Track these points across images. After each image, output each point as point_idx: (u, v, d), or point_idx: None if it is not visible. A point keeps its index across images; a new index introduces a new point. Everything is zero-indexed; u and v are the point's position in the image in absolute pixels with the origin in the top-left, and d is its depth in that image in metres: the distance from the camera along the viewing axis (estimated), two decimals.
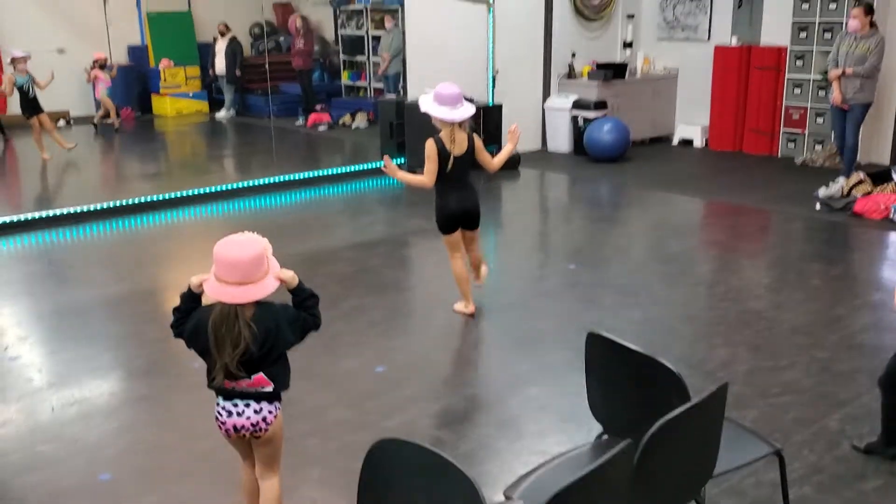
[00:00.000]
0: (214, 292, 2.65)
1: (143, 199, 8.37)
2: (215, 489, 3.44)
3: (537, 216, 8.56)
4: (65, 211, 7.88)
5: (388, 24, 12.61)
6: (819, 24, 9.62)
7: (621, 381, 2.76)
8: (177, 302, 2.80)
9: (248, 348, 2.65)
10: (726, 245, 6.97)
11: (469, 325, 5.10)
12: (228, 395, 2.77)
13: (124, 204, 8.21)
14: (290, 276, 2.77)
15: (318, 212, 8.43)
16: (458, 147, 4.85)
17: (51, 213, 7.80)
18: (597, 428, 3.83)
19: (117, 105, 14.11)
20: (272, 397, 2.80)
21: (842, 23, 9.39)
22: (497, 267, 6.46)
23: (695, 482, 2.46)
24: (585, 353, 2.88)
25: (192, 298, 2.77)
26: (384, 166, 4.92)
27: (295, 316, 2.78)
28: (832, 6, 9.49)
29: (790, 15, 9.83)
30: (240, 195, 8.87)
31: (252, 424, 2.77)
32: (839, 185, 7.98)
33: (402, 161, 9.71)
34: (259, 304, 2.69)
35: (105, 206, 8.11)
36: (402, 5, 10.73)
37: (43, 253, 7.11)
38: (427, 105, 4.83)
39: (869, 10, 8.25)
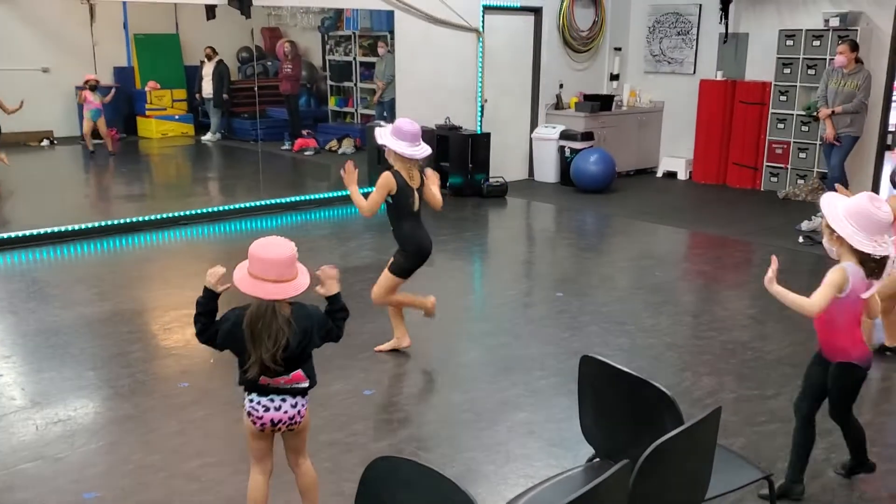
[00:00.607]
0: (250, 288, 2.76)
1: (127, 220, 8.33)
2: None
3: (524, 244, 8.60)
4: (47, 230, 7.82)
5: (381, 50, 12.70)
6: (803, 60, 9.81)
7: (614, 404, 2.77)
8: (193, 310, 2.87)
9: (288, 344, 2.78)
10: (711, 276, 7.03)
11: (456, 350, 5.10)
12: (263, 392, 2.89)
13: (109, 224, 8.17)
14: (336, 284, 2.98)
15: (304, 236, 8.41)
16: (415, 182, 4.73)
17: (33, 232, 7.74)
18: (584, 454, 3.85)
19: None
20: (304, 392, 2.95)
21: (825, 59, 9.59)
22: (485, 293, 6.49)
23: None
24: (578, 376, 2.89)
25: (211, 298, 2.86)
26: (344, 171, 4.73)
27: (325, 321, 2.95)
28: (816, 43, 9.68)
29: (774, 51, 10.02)
30: (226, 218, 8.85)
31: (289, 418, 2.93)
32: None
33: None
34: (294, 304, 2.84)
35: (89, 227, 8.06)
36: (392, 32, 10.82)
37: (25, 272, 7.04)
38: (386, 138, 4.66)
39: (854, 47, 8.45)
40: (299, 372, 2.89)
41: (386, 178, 4.66)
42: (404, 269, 4.88)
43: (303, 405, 2.96)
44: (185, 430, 4.06)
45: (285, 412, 2.92)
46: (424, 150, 4.71)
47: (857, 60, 8.41)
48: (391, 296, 4.97)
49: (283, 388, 2.89)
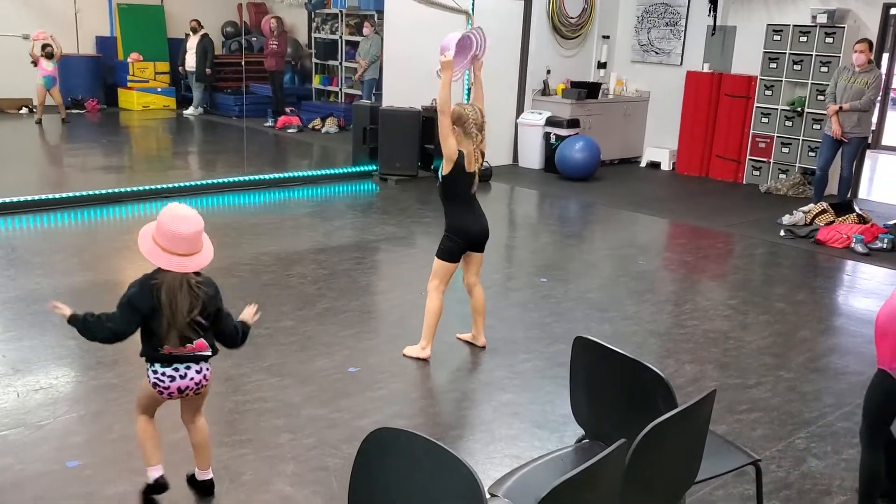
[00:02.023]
0: (162, 261, 2.87)
1: (108, 192, 8.23)
2: (184, 481, 3.37)
3: (508, 229, 8.60)
4: (26, 199, 7.71)
5: (367, 30, 12.63)
6: (789, 55, 9.87)
7: (607, 385, 2.79)
8: (86, 332, 3.00)
9: (203, 311, 2.92)
10: (693, 266, 7.08)
11: (442, 331, 5.09)
12: (167, 361, 2.99)
13: (89, 195, 8.06)
14: (250, 315, 3.20)
15: (288, 213, 8.37)
16: (473, 165, 4.48)
17: (11, 199, 7.62)
18: (569, 436, 3.89)
19: (82, 96, 13.90)
20: (207, 359, 3.08)
21: (812, 55, 9.66)
22: None
23: (679, 486, 2.49)
24: (571, 357, 2.90)
25: (85, 324, 2.97)
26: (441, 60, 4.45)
27: (217, 298, 3.05)
28: (803, 39, 9.74)
29: (762, 45, 10.07)
30: (209, 192, 8.78)
31: (196, 384, 3.06)
32: (802, 213, 8.19)
33: (375, 168, 9.71)
34: (198, 274, 2.96)
35: (68, 196, 7.96)
36: (381, 12, 10.75)
37: (4, 239, 6.94)
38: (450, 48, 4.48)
39: (871, 46, 8.49)
40: (202, 341, 2.99)
41: (454, 148, 4.39)
42: (447, 251, 4.60)
43: (207, 369, 3.09)
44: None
45: (191, 379, 3.03)
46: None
47: (870, 61, 8.45)
48: (437, 290, 4.65)
49: (186, 356, 2.99)
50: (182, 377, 3.01)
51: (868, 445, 3.21)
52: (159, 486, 3.18)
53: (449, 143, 4.39)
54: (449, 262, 4.62)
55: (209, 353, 3.05)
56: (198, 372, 3.05)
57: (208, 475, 3.29)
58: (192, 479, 3.31)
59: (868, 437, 3.21)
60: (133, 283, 2.97)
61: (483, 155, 4.58)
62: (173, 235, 2.86)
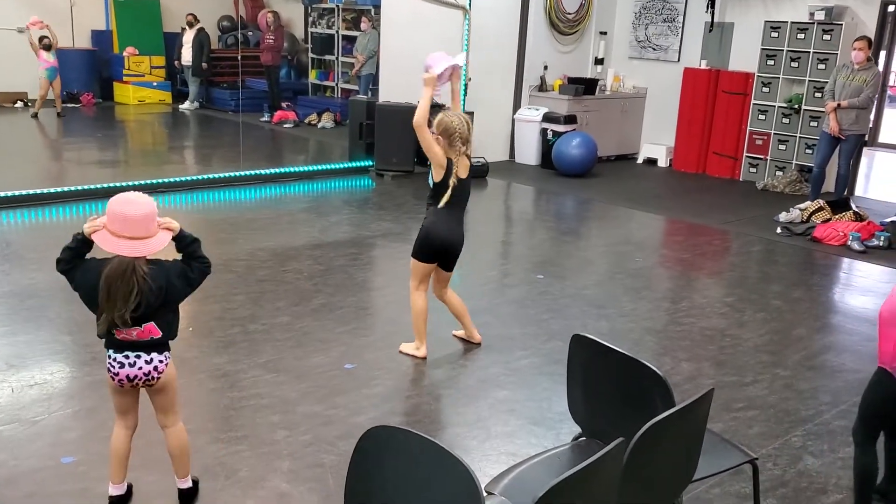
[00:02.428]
0: (110, 245, 2.77)
1: (103, 186, 8.19)
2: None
3: (505, 226, 8.60)
4: (21, 192, 7.68)
5: (365, 25, 12.60)
6: (787, 52, 9.86)
7: (604, 383, 2.78)
8: (70, 241, 2.87)
9: (143, 301, 2.79)
10: (690, 263, 7.08)
11: (437, 328, 5.08)
12: (120, 348, 2.91)
13: (84, 189, 8.03)
14: (175, 225, 2.92)
15: (284, 209, 8.34)
16: (463, 170, 4.43)
17: (6, 193, 7.59)
18: (565, 433, 3.89)
19: (77, 90, 13.85)
20: (162, 347, 2.97)
21: (809, 53, 9.66)
22: (465, 273, 6.46)
23: (677, 485, 2.48)
24: (569, 355, 2.89)
25: (84, 243, 2.85)
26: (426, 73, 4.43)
27: (182, 269, 2.93)
28: (800, 36, 9.73)
29: (759, 41, 10.06)
30: (205, 187, 8.75)
31: (144, 374, 2.95)
32: (799, 210, 8.19)
33: (372, 163, 9.68)
34: (150, 262, 2.84)
35: (63, 191, 7.93)
36: (378, 7, 10.72)
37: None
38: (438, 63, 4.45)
39: (871, 44, 8.48)
40: (152, 324, 2.89)
41: (441, 157, 4.34)
42: (419, 251, 4.55)
43: (160, 361, 2.97)
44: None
45: (140, 368, 2.94)
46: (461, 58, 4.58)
47: (869, 59, 8.44)
48: (417, 289, 4.63)
49: (138, 342, 2.91)
50: (131, 365, 2.92)
51: (862, 443, 3.21)
52: (113, 501, 3.13)
53: (435, 151, 4.34)
54: (424, 263, 4.57)
55: (159, 338, 2.93)
56: (147, 362, 2.94)
57: (186, 483, 3.20)
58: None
59: (862, 436, 3.21)
60: (88, 262, 2.89)
61: (469, 158, 4.52)
62: (123, 218, 2.76)
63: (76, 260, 2.86)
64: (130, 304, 2.76)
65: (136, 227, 2.77)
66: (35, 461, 3.43)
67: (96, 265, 2.83)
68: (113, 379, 2.97)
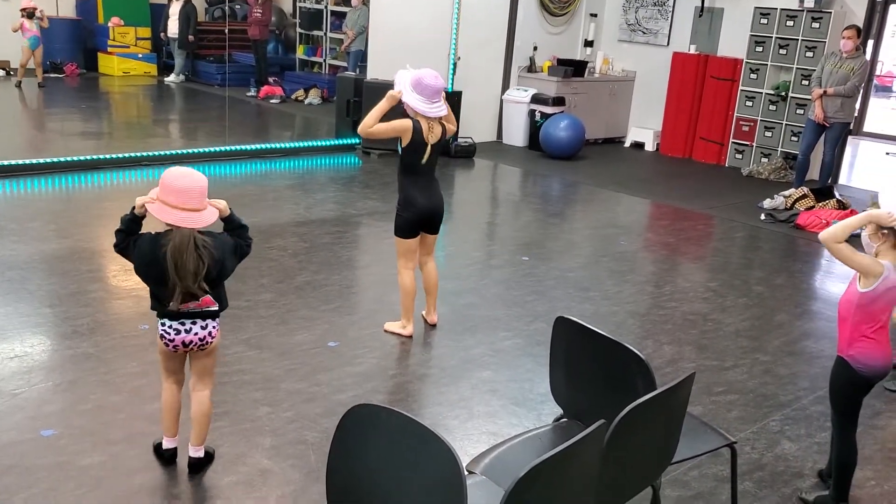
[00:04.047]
0: (168, 215, 2.90)
1: (87, 158, 8.12)
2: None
3: (491, 207, 8.59)
4: (2, 164, 7.58)
5: (355, 1, 12.48)
6: (776, 39, 9.87)
7: (587, 365, 2.79)
8: (118, 225, 3.02)
9: (209, 272, 2.95)
10: (674, 247, 7.11)
11: (422, 307, 5.08)
12: (175, 317, 3.05)
13: (66, 161, 7.95)
14: (223, 205, 3.09)
15: (269, 185, 8.30)
16: (434, 136, 4.42)
17: None
18: (546, 414, 3.91)
19: (61, 60, 13.67)
20: (215, 314, 3.14)
21: (798, 40, 9.67)
22: (451, 253, 6.48)
23: (657, 467, 2.50)
24: (552, 337, 2.90)
25: (134, 221, 3.00)
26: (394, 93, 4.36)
27: (234, 245, 3.11)
28: (790, 23, 9.74)
29: (748, 28, 10.06)
30: (190, 161, 8.66)
31: (200, 339, 3.12)
32: (783, 197, 8.23)
33: (359, 141, 9.63)
34: (206, 234, 2.99)
35: (45, 162, 7.85)
36: None
37: None
38: (404, 88, 4.33)
39: (860, 32, 8.49)
40: (208, 297, 3.04)
41: (404, 124, 4.33)
42: (399, 228, 4.56)
43: (214, 327, 3.14)
44: (145, 371, 4.00)
45: (196, 334, 3.10)
46: (442, 108, 4.39)
47: (857, 48, 8.45)
48: (405, 268, 4.63)
49: (193, 312, 3.05)
50: (187, 332, 3.08)
51: (840, 433, 3.26)
52: (168, 453, 3.28)
53: (393, 125, 4.34)
54: (406, 239, 4.58)
55: (216, 309, 3.09)
56: (203, 328, 3.10)
57: (199, 452, 3.27)
58: (157, 448, 3.34)
59: (840, 425, 3.26)
60: (142, 240, 3.00)
61: (445, 130, 4.50)
62: (181, 190, 2.90)
63: (129, 239, 3.00)
64: (201, 275, 2.92)
65: (192, 199, 2.91)
66: (15, 434, 3.41)
67: (151, 239, 2.96)
68: (168, 345, 3.11)
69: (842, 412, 3.23)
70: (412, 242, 4.60)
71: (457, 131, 4.60)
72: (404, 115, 4.41)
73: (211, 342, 3.16)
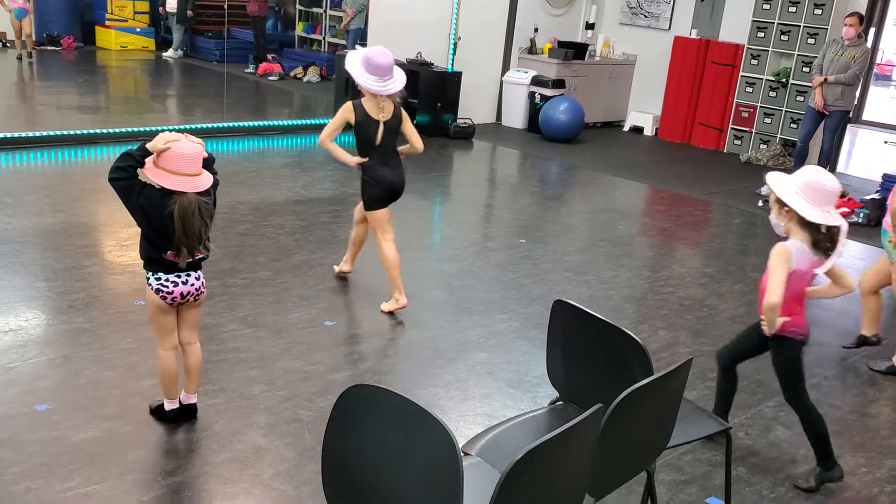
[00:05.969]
0: (172, 182, 2.99)
1: (83, 132, 8.07)
2: (154, 429, 3.36)
3: (489, 189, 8.57)
4: None
5: None
6: (777, 25, 9.82)
7: (584, 348, 2.79)
8: (120, 161, 3.04)
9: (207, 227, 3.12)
10: (671, 232, 7.10)
11: (419, 288, 5.07)
12: (170, 269, 3.18)
13: (63, 134, 7.90)
14: (202, 146, 3.17)
15: (267, 163, 8.27)
16: (385, 114, 4.46)
17: None
18: (542, 396, 3.92)
19: (58, 33, 13.55)
20: (200, 265, 3.28)
21: (800, 26, 9.62)
22: (448, 235, 6.46)
23: (652, 451, 2.51)
24: (549, 319, 2.89)
25: (143, 155, 3.03)
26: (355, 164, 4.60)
27: (215, 184, 3.20)
28: (792, 9, 9.69)
29: (751, 13, 10.01)
30: None
31: (196, 290, 3.28)
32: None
33: None
34: (202, 193, 3.10)
35: (40, 135, 7.79)
36: None
37: None
38: (353, 69, 4.35)
39: (862, 20, 8.44)
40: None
41: (345, 108, 4.45)
42: (370, 202, 4.67)
43: (202, 276, 3.30)
44: (140, 348, 3.99)
45: (192, 285, 3.25)
46: (395, 85, 4.40)
47: (859, 35, 8.40)
48: (384, 239, 4.71)
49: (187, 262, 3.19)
50: (184, 283, 3.21)
51: (802, 407, 3.38)
52: (172, 413, 3.40)
53: (336, 118, 4.48)
54: (381, 210, 4.68)
55: (204, 256, 3.23)
56: (197, 279, 3.26)
57: (193, 399, 3.44)
58: (158, 412, 3.43)
59: (798, 401, 3.39)
60: (147, 192, 3.05)
61: (400, 111, 4.55)
62: (185, 156, 3.01)
63: (132, 180, 3.04)
64: (205, 237, 3.11)
65: (196, 164, 3.06)
66: (8, 408, 3.40)
67: (160, 196, 3.02)
68: (165, 299, 3.20)
69: (796, 386, 3.37)
70: (386, 213, 4.70)
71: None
72: (360, 94, 4.48)
73: (204, 291, 3.32)
